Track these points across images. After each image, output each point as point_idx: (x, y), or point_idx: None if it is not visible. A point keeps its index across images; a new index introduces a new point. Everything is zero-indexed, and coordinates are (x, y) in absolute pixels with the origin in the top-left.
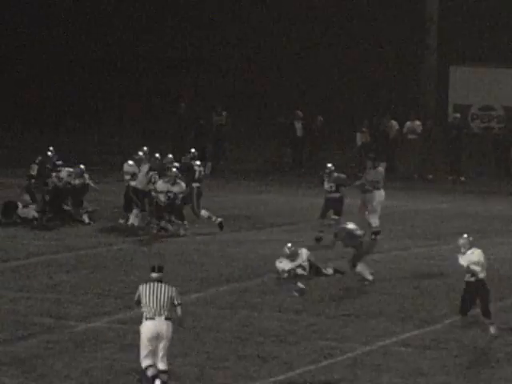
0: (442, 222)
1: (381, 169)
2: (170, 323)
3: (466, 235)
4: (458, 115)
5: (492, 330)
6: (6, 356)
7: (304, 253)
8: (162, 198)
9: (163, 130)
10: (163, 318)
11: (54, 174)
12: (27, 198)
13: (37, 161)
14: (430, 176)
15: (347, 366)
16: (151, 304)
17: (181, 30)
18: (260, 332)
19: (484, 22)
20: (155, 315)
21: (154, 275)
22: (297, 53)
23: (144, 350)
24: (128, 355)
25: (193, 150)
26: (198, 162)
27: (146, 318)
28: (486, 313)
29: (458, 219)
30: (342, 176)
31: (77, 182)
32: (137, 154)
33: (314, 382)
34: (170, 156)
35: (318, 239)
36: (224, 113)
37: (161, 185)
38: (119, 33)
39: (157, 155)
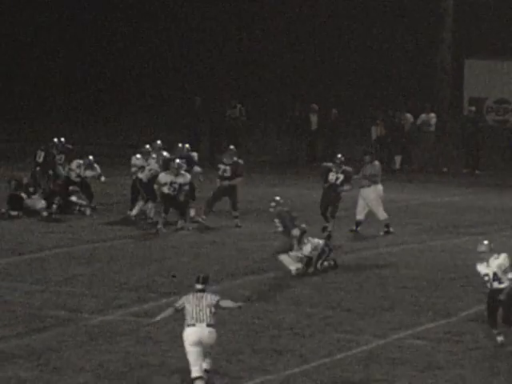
0: (456, 215)
1: (377, 163)
2: (212, 329)
3: (486, 241)
4: (474, 108)
5: (499, 338)
6: (20, 349)
7: (310, 244)
8: (165, 189)
9: (179, 123)
10: (204, 324)
11: (67, 167)
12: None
13: (43, 147)
14: (445, 169)
15: (362, 359)
16: (193, 311)
17: (196, 22)
18: (275, 325)
19: (499, 15)
20: (196, 322)
21: (199, 286)
22: (312, 46)
23: (189, 357)
24: (143, 348)
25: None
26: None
27: (188, 325)
28: (507, 320)
29: (472, 212)
30: (351, 169)
31: (87, 173)
32: (144, 147)
33: (329, 374)
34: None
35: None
36: (238, 106)
37: (164, 176)
38: (133, 24)
39: (165, 153)
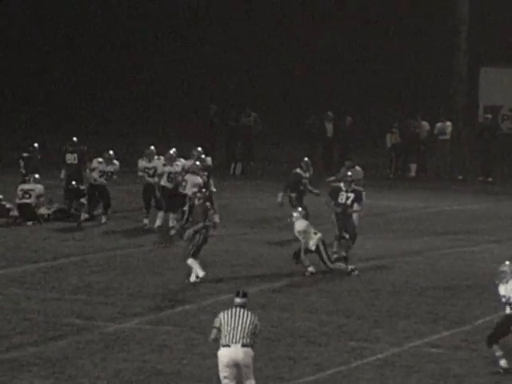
0: (472, 223)
1: (358, 168)
2: (248, 350)
3: (508, 262)
4: (490, 116)
5: (502, 362)
6: (36, 357)
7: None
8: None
9: (194, 131)
10: (239, 345)
11: (87, 171)
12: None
13: (70, 148)
14: (460, 177)
15: (378, 367)
16: (229, 330)
17: (211, 31)
18: (290, 333)
19: None
20: (231, 342)
21: (238, 300)
22: (327, 54)
23: (222, 379)
24: (158, 356)
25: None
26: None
27: (222, 346)
28: None
29: (488, 220)
30: (361, 189)
31: (109, 168)
32: (149, 149)
33: (345, 383)
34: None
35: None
36: (253, 114)
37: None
38: (150, 32)
39: (181, 161)
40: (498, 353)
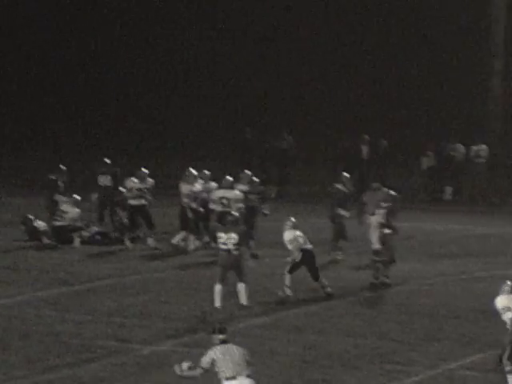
0: (506, 246)
1: (385, 189)
2: (252, 380)
3: (510, 282)
4: None
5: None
6: (71, 379)
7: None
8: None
9: (228, 153)
10: (244, 376)
11: (124, 190)
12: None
13: (102, 169)
14: (496, 200)
15: None
16: (229, 364)
17: (247, 54)
18: (325, 356)
19: None
20: (236, 374)
21: (221, 337)
22: (362, 77)
23: None
24: (194, 378)
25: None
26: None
27: (227, 379)
28: None
29: None
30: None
31: (143, 185)
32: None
33: None
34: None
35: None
36: (289, 137)
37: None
38: (188, 53)
39: (212, 183)
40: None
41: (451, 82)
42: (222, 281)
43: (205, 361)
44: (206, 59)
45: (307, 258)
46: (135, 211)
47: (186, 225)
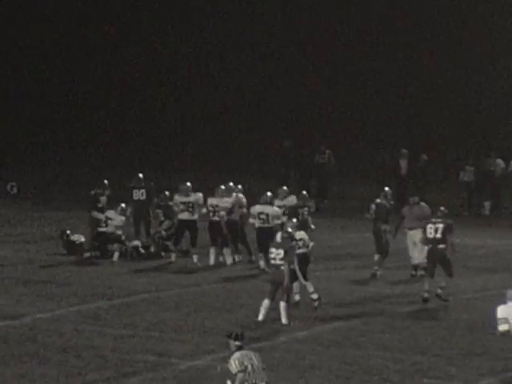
0: None
1: (423, 204)
2: None
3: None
4: None
5: None
6: None
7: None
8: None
9: (268, 168)
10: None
11: (171, 203)
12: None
13: (136, 184)
14: None
15: None
16: (251, 372)
17: (286, 67)
18: (364, 370)
19: None
20: (259, 381)
21: (238, 343)
22: (402, 92)
23: None
24: None
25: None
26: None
27: None
28: None
29: None
30: (451, 221)
31: (191, 199)
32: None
33: None
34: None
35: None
36: (328, 151)
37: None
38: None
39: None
40: None
41: (491, 96)
42: (270, 296)
43: (234, 364)
44: (246, 74)
45: (300, 260)
46: (183, 226)
47: (217, 240)
